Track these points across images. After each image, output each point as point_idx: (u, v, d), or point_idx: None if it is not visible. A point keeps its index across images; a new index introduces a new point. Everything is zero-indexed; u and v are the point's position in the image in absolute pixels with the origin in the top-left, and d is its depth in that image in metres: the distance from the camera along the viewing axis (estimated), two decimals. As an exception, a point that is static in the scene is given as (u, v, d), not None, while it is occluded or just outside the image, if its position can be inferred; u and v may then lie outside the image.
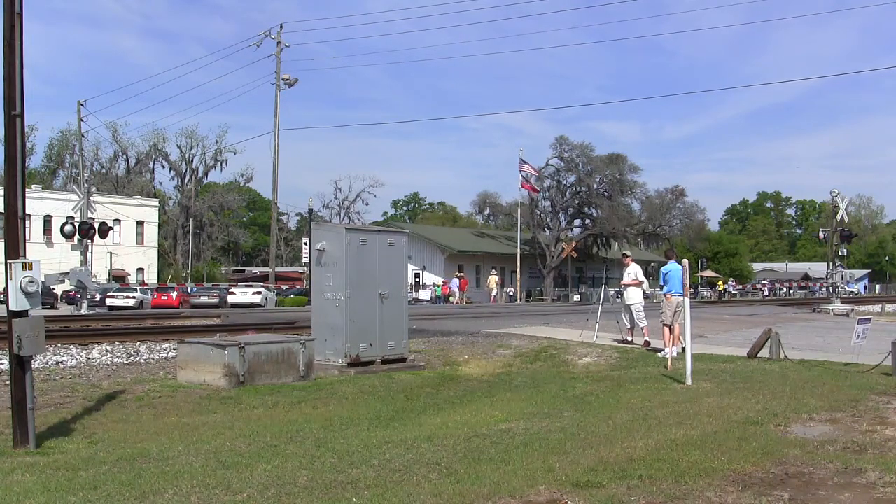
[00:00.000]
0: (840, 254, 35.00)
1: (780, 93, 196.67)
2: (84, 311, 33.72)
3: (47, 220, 66.96)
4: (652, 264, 66.51)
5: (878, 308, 38.37)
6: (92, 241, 36.76)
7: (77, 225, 34.74)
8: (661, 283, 15.50)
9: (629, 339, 16.68)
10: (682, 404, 9.33)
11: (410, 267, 44.39)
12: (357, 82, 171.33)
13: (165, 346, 16.23)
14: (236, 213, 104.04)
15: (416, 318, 21.83)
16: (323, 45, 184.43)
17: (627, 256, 17.39)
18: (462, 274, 55.49)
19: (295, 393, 11.50)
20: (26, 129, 8.73)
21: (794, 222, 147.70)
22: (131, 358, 14.62)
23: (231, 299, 49.72)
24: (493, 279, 55.45)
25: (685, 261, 12.65)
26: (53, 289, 46.89)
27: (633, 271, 16.64)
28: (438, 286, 55.83)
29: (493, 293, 54.26)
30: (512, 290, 58.64)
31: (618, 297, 19.01)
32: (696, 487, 5.59)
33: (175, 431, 8.84)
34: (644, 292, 17.01)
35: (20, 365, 7.86)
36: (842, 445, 6.89)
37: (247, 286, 54.07)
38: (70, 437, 8.45)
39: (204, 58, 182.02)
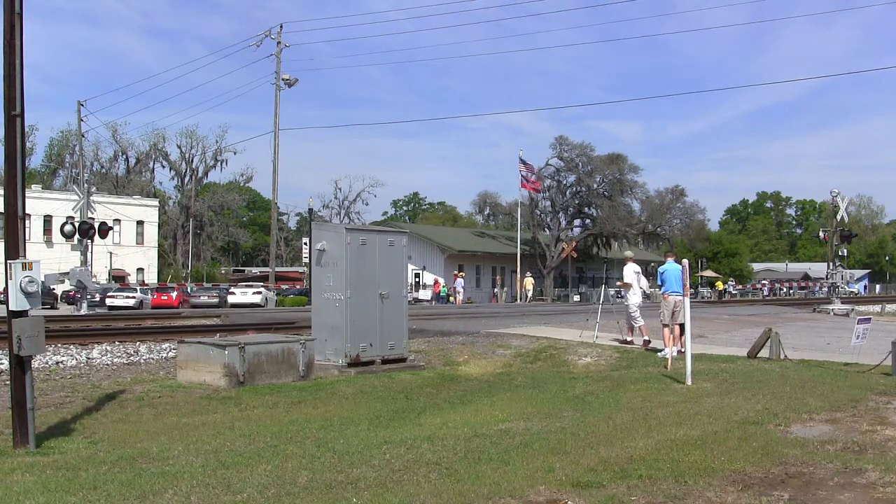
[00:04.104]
0: (840, 254, 34.99)
1: (782, 92, 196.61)
2: (84, 311, 33.69)
3: (47, 220, 66.95)
4: (652, 264, 66.50)
5: (878, 308, 38.42)
6: (92, 241, 36.75)
7: (77, 225, 34.73)
8: (659, 283, 15.53)
9: (629, 339, 16.69)
10: (683, 404, 9.33)
11: (410, 267, 44.39)
12: (358, 82, 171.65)
13: (165, 346, 16.22)
14: (236, 213, 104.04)
15: (416, 318, 21.83)
16: (324, 45, 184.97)
17: (627, 258, 17.45)
18: (462, 273, 55.53)
19: (295, 393, 11.49)
20: (26, 129, 8.73)
21: (794, 222, 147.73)
22: (131, 358, 14.61)
23: (231, 299, 49.69)
24: (529, 280, 56.30)
25: (685, 261, 12.65)
26: (53, 289, 46.88)
27: (625, 272, 16.72)
28: (444, 286, 55.92)
29: (529, 294, 55.05)
30: (506, 288, 58.97)
31: (618, 297, 19.11)
32: (696, 487, 5.59)
33: (175, 431, 8.84)
34: (644, 291, 17.02)
35: (20, 365, 7.86)
36: (842, 445, 6.89)
37: (247, 286, 54.00)
38: (70, 437, 8.45)
39: (204, 57, 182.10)
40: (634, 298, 16.53)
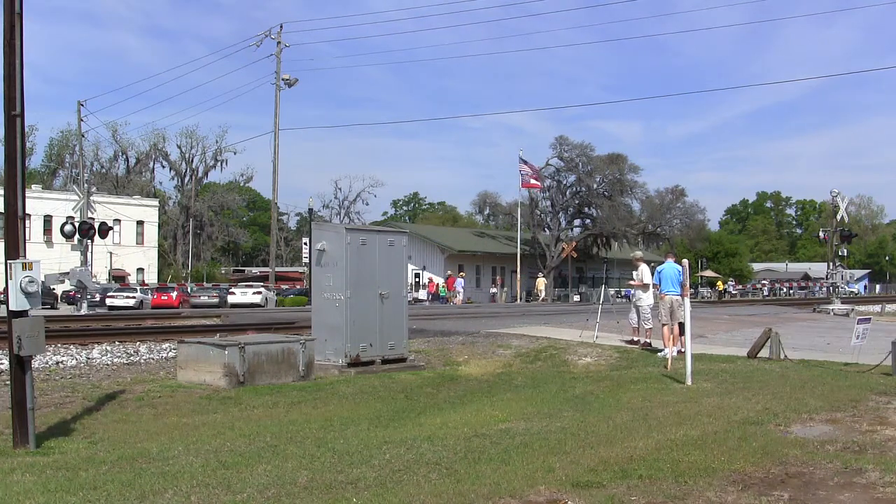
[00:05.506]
0: (840, 254, 34.99)
1: (782, 92, 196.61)
2: (84, 311, 33.68)
3: (47, 220, 66.95)
4: (651, 264, 66.30)
5: (878, 308, 38.42)
6: (92, 241, 36.73)
7: (77, 225, 34.71)
8: (656, 282, 15.52)
9: (635, 338, 16.65)
10: (683, 404, 9.34)
11: (410, 267, 44.36)
12: (358, 82, 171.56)
13: (165, 346, 16.23)
14: (236, 213, 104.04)
15: (416, 318, 21.84)
16: (324, 44, 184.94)
17: (637, 258, 17.38)
18: (462, 273, 55.51)
19: (295, 393, 11.50)
20: (26, 129, 8.73)
21: (794, 222, 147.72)
22: (131, 358, 14.61)
23: (231, 299, 49.71)
24: (542, 281, 56.67)
25: (685, 261, 12.64)
26: (53, 289, 46.87)
27: (639, 273, 16.64)
28: (443, 287, 55.94)
29: (542, 295, 55.33)
30: (506, 288, 59.06)
31: (618, 297, 19.13)
32: (696, 487, 5.59)
33: (175, 431, 8.84)
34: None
35: (20, 365, 7.86)
36: (842, 445, 6.89)
37: (247, 286, 54.03)
38: (70, 437, 8.45)
39: (204, 57, 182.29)
40: (648, 300, 16.46)
